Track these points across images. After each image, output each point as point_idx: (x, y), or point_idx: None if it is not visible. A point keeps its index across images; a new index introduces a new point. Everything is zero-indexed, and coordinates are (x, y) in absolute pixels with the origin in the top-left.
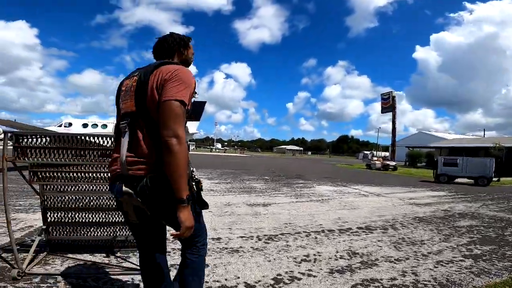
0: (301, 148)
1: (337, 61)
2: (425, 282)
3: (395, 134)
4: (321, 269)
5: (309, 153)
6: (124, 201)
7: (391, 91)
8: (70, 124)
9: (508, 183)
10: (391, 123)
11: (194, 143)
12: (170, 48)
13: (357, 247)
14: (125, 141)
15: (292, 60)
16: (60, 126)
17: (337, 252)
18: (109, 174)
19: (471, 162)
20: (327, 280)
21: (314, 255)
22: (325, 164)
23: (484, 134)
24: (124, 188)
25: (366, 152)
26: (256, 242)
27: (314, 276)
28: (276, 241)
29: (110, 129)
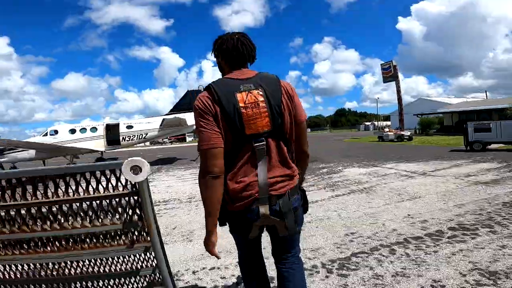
0: None
1: (322, 38)
2: None
3: (401, 103)
4: None
5: (309, 130)
6: (258, 224)
7: (391, 61)
8: (56, 132)
9: None
10: (384, 93)
11: (192, 134)
12: (252, 56)
13: (485, 263)
14: (263, 163)
15: (279, 41)
16: (46, 135)
17: (464, 276)
18: (236, 203)
19: (506, 126)
20: None
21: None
22: (333, 141)
23: (487, 96)
24: (262, 210)
25: (367, 123)
26: (325, 277)
27: None
28: (354, 269)
29: (100, 132)
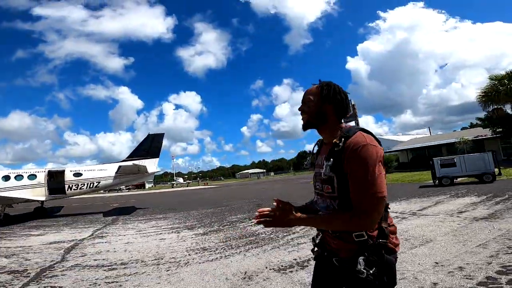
0: (264, 170)
1: (282, 80)
2: None
3: None
4: None
5: (272, 173)
6: None
7: (350, 100)
8: None
9: (504, 175)
10: None
11: (152, 180)
12: None
13: None
14: None
15: (240, 83)
16: None
17: None
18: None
19: (469, 159)
20: None
21: None
22: (299, 183)
23: (430, 132)
24: None
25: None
26: None
27: None
28: None
29: (40, 180)
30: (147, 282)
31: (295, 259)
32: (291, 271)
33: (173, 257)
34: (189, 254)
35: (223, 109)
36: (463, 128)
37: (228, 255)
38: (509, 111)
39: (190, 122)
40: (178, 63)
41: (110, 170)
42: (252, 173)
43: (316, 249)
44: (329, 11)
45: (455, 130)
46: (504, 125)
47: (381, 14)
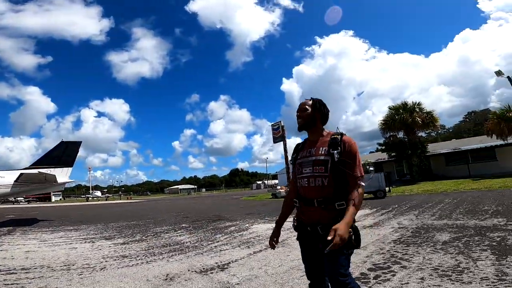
0: (195, 186)
1: (219, 96)
2: None
3: (287, 162)
4: None
5: (203, 190)
6: None
7: (280, 121)
8: None
9: (393, 192)
10: (270, 153)
11: (60, 193)
12: None
13: None
14: None
15: (175, 95)
16: None
17: None
18: None
19: (367, 179)
20: None
21: None
22: (230, 199)
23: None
24: None
25: (258, 182)
26: None
27: None
28: None
29: None
30: (55, 284)
31: (216, 263)
32: (212, 273)
33: (86, 263)
34: (105, 261)
35: (154, 121)
36: (370, 152)
37: (150, 261)
38: (402, 137)
39: (114, 132)
40: (107, 68)
41: (8, 177)
42: (183, 188)
43: (297, 232)
44: (272, 32)
45: (365, 154)
46: (397, 150)
47: (318, 39)
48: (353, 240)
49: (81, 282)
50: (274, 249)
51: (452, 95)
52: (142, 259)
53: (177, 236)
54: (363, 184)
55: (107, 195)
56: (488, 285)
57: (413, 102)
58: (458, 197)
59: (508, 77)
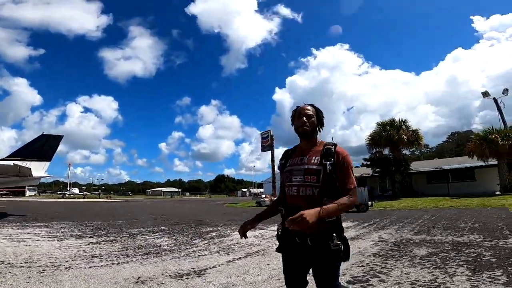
0: (179, 190)
1: (210, 101)
2: None
3: (274, 171)
4: None
5: (187, 194)
6: None
7: (270, 130)
8: None
9: (375, 206)
10: (258, 162)
11: (36, 188)
12: None
13: None
14: None
15: (166, 97)
16: None
17: None
18: None
19: None
20: None
21: None
22: (213, 204)
23: None
24: None
25: (243, 189)
26: None
27: None
28: None
29: None
30: (12, 281)
31: (193, 268)
32: (187, 278)
33: (51, 262)
34: (72, 260)
35: (142, 121)
36: (356, 167)
37: (122, 263)
38: (387, 154)
39: (100, 129)
40: (99, 64)
41: None
42: (166, 191)
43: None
44: (269, 40)
45: None
46: (381, 166)
47: (314, 51)
48: (343, 252)
49: (41, 281)
50: (242, 237)
51: (437, 114)
52: (113, 260)
53: (154, 238)
54: (355, 195)
55: (85, 193)
56: None
57: (399, 120)
58: (437, 214)
59: (494, 98)
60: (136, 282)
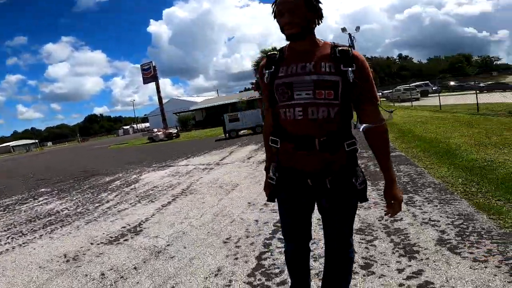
0: (36, 141)
1: (60, 38)
2: None
3: (162, 103)
4: None
5: (49, 143)
6: None
7: (151, 62)
8: None
9: None
10: (135, 95)
11: None
12: None
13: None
14: None
15: None
16: None
17: None
18: None
19: (247, 115)
20: None
21: None
22: (92, 150)
23: (218, 94)
24: None
25: (125, 127)
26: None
27: None
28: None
29: None
30: None
31: (123, 227)
32: (126, 240)
33: None
34: None
35: None
36: (240, 91)
37: (24, 243)
38: None
39: None
40: None
41: None
42: (17, 145)
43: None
44: None
45: (235, 93)
46: None
47: None
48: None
49: None
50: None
51: None
52: (9, 243)
53: (42, 205)
54: (382, 117)
55: None
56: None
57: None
58: None
59: (349, 33)
60: (67, 261)
